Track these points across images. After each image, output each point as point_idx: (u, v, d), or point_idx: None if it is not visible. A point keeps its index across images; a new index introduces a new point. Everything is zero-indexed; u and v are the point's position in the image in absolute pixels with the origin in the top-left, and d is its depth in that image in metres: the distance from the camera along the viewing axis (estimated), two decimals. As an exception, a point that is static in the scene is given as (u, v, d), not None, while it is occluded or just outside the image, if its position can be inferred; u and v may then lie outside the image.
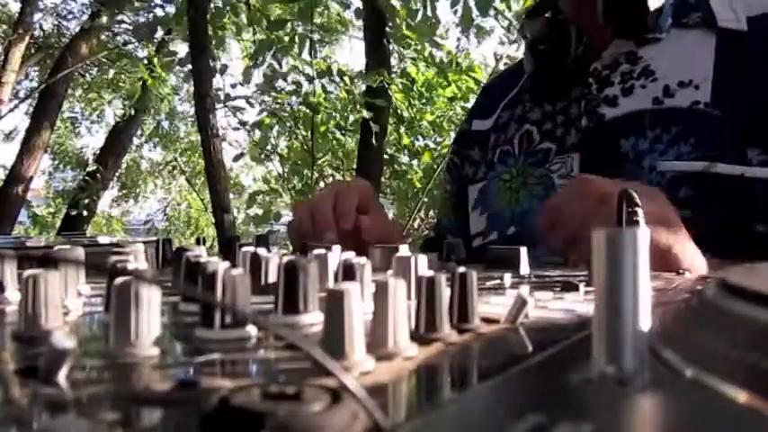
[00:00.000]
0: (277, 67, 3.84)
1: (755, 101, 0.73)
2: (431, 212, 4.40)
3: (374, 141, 3.18)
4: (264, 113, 4.15)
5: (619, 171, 0.76)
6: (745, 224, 0.70)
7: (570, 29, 0.85)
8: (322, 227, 0.73)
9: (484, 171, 0.95)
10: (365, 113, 3.12)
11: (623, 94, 0.80)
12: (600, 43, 0.83)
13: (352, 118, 3.92)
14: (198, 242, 0.53)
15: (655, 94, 0.78)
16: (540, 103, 0.90)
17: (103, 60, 6.72)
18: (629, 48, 0.81)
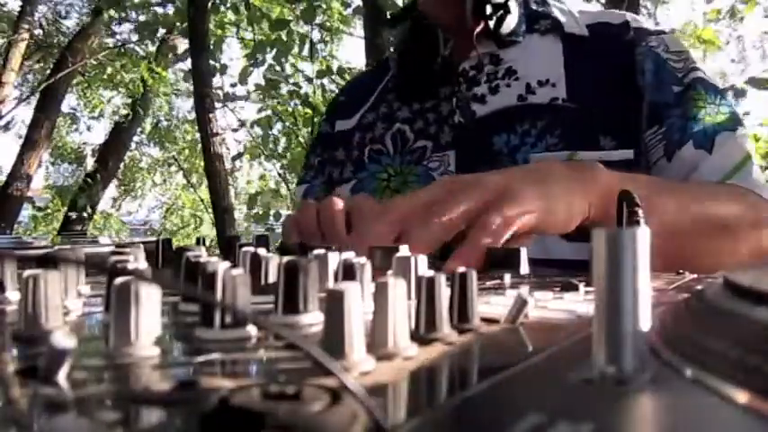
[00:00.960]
0: (278, 68, 3.84)
1: (601, 94, 0.83)
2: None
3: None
4: (264, 113, 4.15)
5: (494, 166, 0.80)
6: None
7: (437, 31, 0.90)
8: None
9: (352, 170, 0.97)
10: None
11: (491, 93, 0.88)
12: (465, 45, 0.89)
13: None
14: (198, 242, 0.52)
15: (519, 92, 0.86)
16: (408, 102, 0.94)
17: (103, 60, 6.72)
18: (492, 50, 0.90)
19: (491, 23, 0.88)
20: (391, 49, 1.14)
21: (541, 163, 0.69)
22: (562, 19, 0.91)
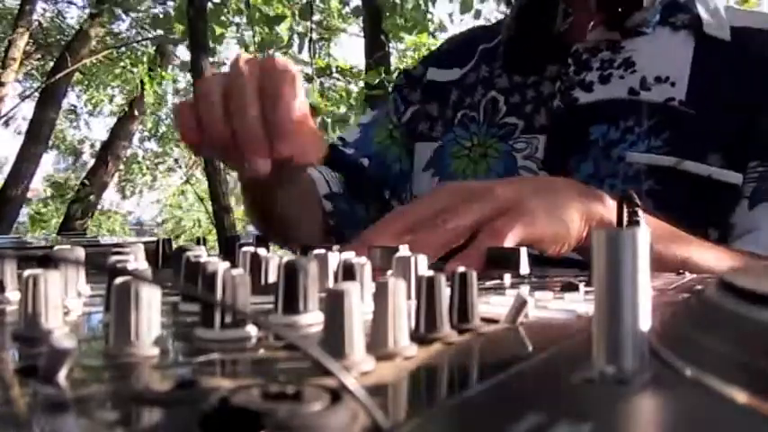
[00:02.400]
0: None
1: (726, 107, 0.75)
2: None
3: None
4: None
5: (585, 158, 0.77)
6: (700, 226, 0.71)
7: (559, 5, 0.84)
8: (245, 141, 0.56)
9: (440, 130, 0.91)
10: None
11: (600, 81, 0.80)
12: (584, 26, 0.82)
13: (352, 118, 3.92)
14: (198, 242, 0.52)
15: (631, 85, 0.78)
16: (511, 71, 0.87)
17: (103, 60, 6.72)
18: (614, 36, 0.81)
19: (618, 11, 0.80)
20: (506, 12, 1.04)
21: (553, 179, 0.65)
22: (704, 17, 0.81)
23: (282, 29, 3.97)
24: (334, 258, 0.36)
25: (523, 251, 0.45)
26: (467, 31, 1.11)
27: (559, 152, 0.79)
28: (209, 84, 0.58)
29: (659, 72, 0.78)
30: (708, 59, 0.78)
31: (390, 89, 1.04)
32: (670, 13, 0.81)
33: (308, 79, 3.96)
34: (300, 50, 4.01)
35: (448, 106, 0.91)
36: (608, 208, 0.56)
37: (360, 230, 0.86)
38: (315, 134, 0.61)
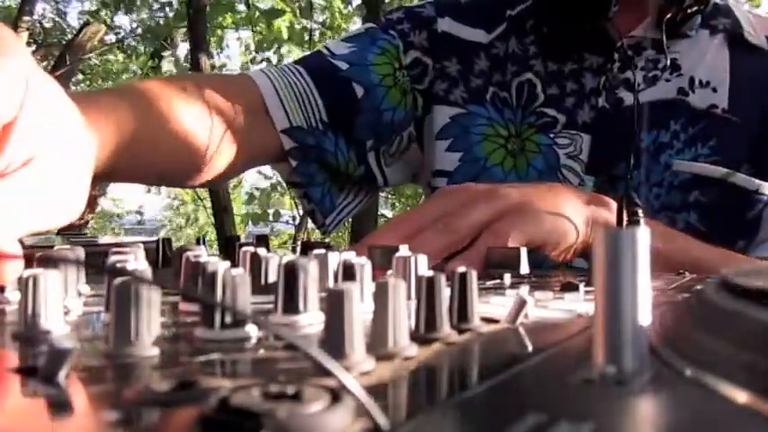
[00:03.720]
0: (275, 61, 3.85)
1: (763, 116, 0.73)
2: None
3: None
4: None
5: (637, 164, 0.73)
6: (733, 237, 0.70)
7: None
8: None
9: (463, 97, 0.79)
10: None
11: (646, 83, 0.75)
12: (631, 19, 0.75)
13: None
14: (198, 242, 0.52)
15: (680, 85, 0.74)
16: (547, 55, 0.78)
17: (105, 60, 6.73)
18: (658, 35, 0.74)
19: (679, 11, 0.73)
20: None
21: (558, 185, 0.63)
22: (743, 23, 0.78)
23: (282, 26, 3.97)
24: (334, 258, 0.36)
25: (523, 251, 0.45)
26: None
27: (606, 155, 0.74)
28: None
29: (701, 76, 0.75)
30: (747, 67, 0.75)
31: (384, 20, 0.84)
32: (711, 16, 0.77)
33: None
34: (302, 46, 4.02)
35: (473, 72, 0.79)
36: (615, 214, 0.55)
37: (329, 167, 0.78)
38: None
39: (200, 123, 0.68)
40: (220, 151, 0.71)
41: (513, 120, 0.78)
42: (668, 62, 0.74)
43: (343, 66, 0.78)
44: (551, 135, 0.76)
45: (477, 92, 0.79)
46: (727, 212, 0.71)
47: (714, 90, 0.74)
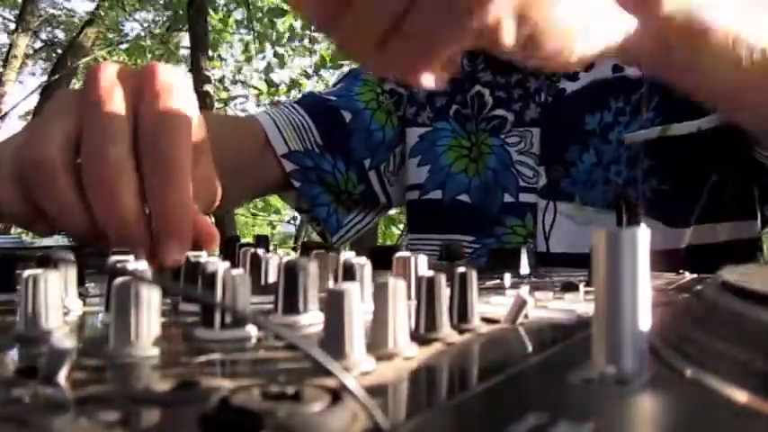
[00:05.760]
0: (275, 60, 3.86)
1: None
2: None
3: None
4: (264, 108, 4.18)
5: (585, 147, 0.75)
6: (700, 179, 0.71)
7: None
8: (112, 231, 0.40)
9: (429, 117, 0.85)
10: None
11: (584, 68, 0.77)
12: None
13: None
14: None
15: (614, 62, 0.76)
16: (495, 71, 0.83)
17: (105, 57, 6.73)
18: None
19: None
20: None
21: None
22: None
23: (283, 25, 3.98)
24: (334, 258, 0.36)
25: (523, 251, 0.45)
26: None
27: (556, 144, 0.77)
28: (44, 136, 0.39)
29: None
30: None
31: None
32: None
33: (308, 75, 3.96)
34: (301, 39, 4.03)
35: (437, 94, 0.86)
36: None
37: (330, 186, 0.83)
38: (212, 194, 0.47)
39: (219, 156, 0.72)
40: (233, 182, 0.75)
41: (474, 130, 0.83)
42: None
43: (332, 98, 0.87)
44: (502, 136, 0.81)
45: (441, 110, 0.85)
46: (684, 165, 0.72)
47: None
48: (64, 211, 0.40)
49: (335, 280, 0.35)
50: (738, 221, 0.75)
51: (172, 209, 0.40)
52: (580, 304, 0.33)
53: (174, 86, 0.42)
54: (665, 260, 0.41)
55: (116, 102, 0.40)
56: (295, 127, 0.83)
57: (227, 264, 0.26)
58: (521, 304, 0.28)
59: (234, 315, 0.24)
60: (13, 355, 0.22)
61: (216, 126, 0.76)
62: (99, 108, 0.40)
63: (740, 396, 0.16)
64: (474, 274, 0.27)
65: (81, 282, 0.35)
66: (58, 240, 0.70)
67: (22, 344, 0.24)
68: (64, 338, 0.17)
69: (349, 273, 0.32)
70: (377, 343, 0.21)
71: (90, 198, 0.40)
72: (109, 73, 0.42)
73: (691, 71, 0.47)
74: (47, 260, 0.31)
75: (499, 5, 0.33)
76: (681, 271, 0.50)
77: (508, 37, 0.35)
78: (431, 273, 0.25)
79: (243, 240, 0.46)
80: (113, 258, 0.32)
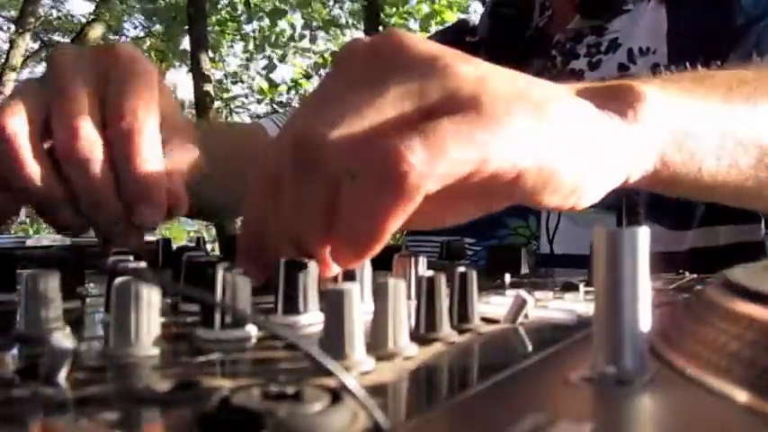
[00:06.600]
0: (276, 61, 3.87)
1: (702, 48, 0.71)
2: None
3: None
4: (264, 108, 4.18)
5: None
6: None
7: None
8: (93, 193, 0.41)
9: None
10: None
11: (590, 68, 0.78)
12: (566, 16, 0.80)
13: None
14: (198, 242, 0.52)
15: (620, 61, 0.77)
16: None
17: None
18: (596, 22, 0.79)
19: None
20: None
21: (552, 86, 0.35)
22: None
23: (284, 24, 3.99)
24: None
25: (524, 251, 0.45)
26: (452, 24, 1.05)
27: None
28: (13, 112, 0.40)
29: (640, 44, 0.77)
30: (678, 19, 0.76)
31: None
32: None
33: (308, 76, 3.97)
34: (301, 39, 4.04)
35: None
36: (659, 103, 0.34)
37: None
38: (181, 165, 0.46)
39: (228, 162, 0.73)
40: (241, 186, 0.73)
41: None
42: (607, 43, 0.77)
43: None
44: None
45: None
46: None
47: (654, 52, 0.76)
48: (31, 179, 0.41)
49: (335, 280, 0.35)
50: (740, 225, 0.75)
51: (141, 173, 0.41)
52: (580, 304, 0.33)
53: (135, 60, 0.44)
54: (665, 263, 0.41)
55: (80, 80, 0.42)
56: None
57: (227, 264, 0.26)
58: (521, 304, 0.28)
59: (234, 315, 0.24)
60: (13, 355, 0.22)
61: (223, 134, 0.79)
62: (65, 87, 0.42)
63: (740, 396, 0.16)
64: (474, 274, 0.27)
65: (81, 282, 0.35)
66: (57, 240, 0.70)
67: (22, 344, 0.24)
68: (64, 338, 0.17)
69: (349, 273, 0.31)
70: (377, 343, 0.21)
71: (65, 170, 0.41)
72: (70, 55, 0.44)
73: (690, 195, 0.43)
74: (47, 260, 0.31)
75: None
76: (681, 271, 0.50)
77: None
78: (431, 273, 0.25)
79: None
80: (113, 258, 0.32)
